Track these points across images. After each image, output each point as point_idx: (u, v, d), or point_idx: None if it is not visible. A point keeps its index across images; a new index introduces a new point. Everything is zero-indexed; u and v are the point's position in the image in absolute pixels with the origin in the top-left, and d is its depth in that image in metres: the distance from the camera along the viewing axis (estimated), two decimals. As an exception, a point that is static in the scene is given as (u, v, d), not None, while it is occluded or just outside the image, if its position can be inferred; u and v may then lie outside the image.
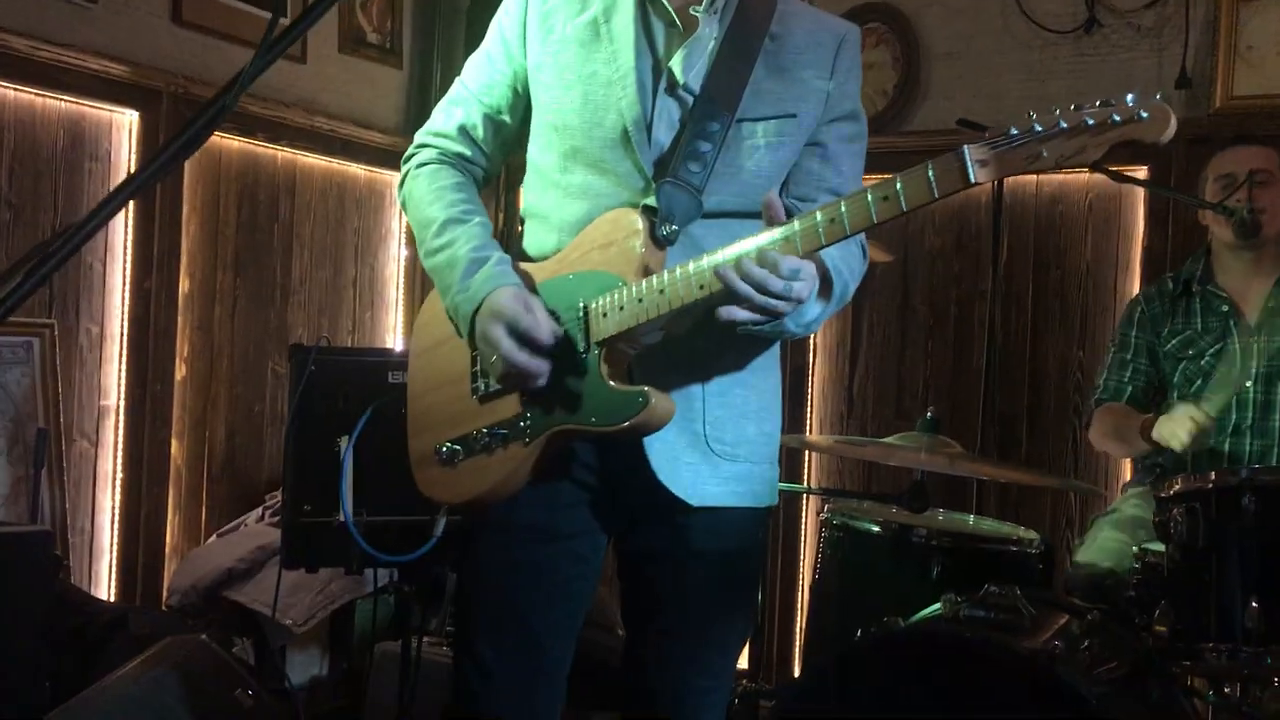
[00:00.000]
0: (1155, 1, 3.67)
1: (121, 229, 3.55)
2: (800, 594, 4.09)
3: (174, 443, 3.71)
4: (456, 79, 1.92)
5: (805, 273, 1.57)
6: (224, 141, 3.84)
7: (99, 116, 3.49)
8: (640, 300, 1.63)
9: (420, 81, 4.45)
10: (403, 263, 4.45)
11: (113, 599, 3.53)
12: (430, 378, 1.87)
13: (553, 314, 1.70)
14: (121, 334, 3.55)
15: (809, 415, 4.17)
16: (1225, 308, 3.00)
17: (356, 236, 4.28)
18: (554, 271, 1.76)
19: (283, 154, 3.99)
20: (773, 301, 1.55)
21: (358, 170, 4.26)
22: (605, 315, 1.66)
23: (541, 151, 1.82)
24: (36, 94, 3.25)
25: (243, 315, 3.88)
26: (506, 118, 1.87)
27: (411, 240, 4.36)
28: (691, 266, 1.60)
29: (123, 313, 3.55)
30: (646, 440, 1.69)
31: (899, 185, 1.49)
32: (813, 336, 4.18)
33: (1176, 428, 2.74)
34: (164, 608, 3.55)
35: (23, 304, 1.10)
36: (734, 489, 1.78)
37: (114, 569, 3.56)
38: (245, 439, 3.93)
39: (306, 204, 4.09)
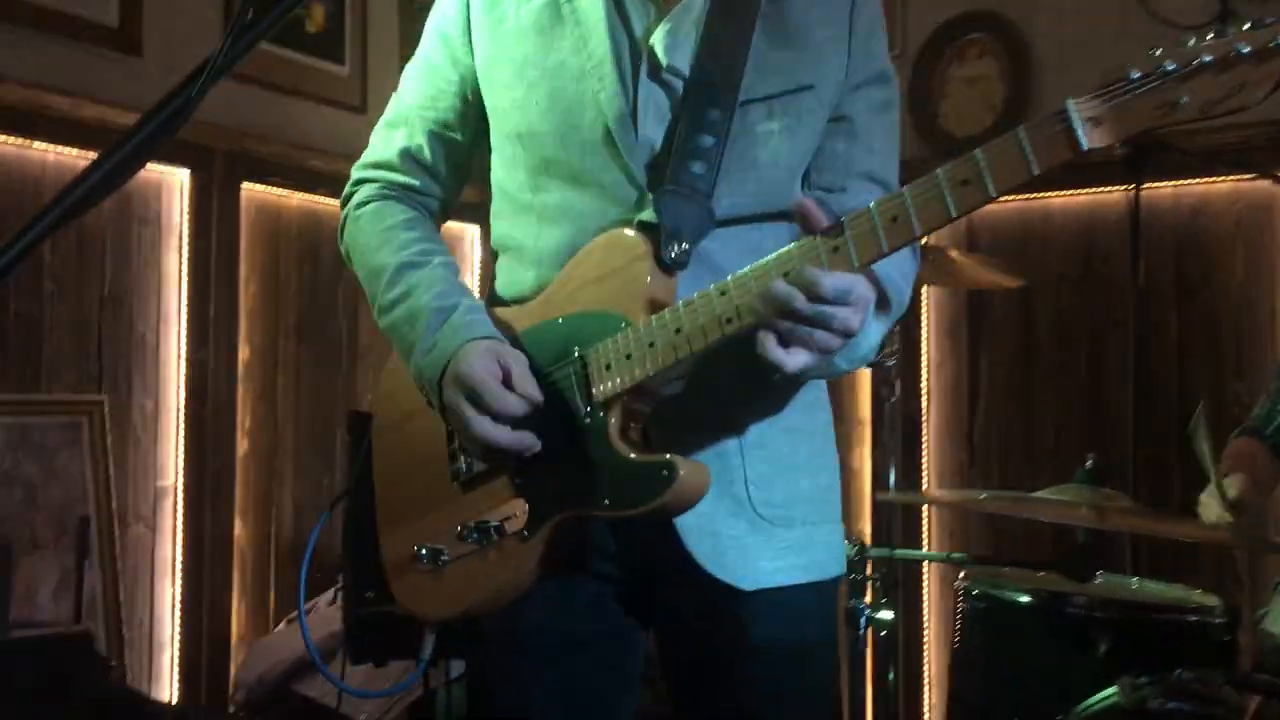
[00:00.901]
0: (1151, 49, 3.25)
1: (175, 294, 3.34)
2: (926, 683, 3.67)
3: (237, 523, 3.49)
4: (392, 97, 1.65)
5: (857, 293, 1.24)
6: (283, 199, 3.64)
7: (147, 176, 3.29)
8: (652, 344, 1.34)
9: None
10: (477, 320, 4.16)
11: (174, 698, 3.28)
12: (400, 461, 1.58)
13: (539, 372, 1.42)
14: (177, 408, 3.33)
15: (925, 467, 3.77)
16: None
17: (426, 294, 4.01)
18: (539, 316, 1.47)
19: None
20: (818, 335, 1.23)
21: (426, 224, 4.02)
22: (609, 367, 1.37)
23: (506, 169, 1.54)
24: (79, 154, 3.04)
25: (308, 383, 3.69)
26: (457, 134, 1.59)
27: (482, 296, 4.22)
28: (715, 295, 1.30)
29: (178, 385, 3.33)
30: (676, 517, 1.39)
31: (982, 162, 1.17)
32: (925, 377, 3.79)
33: (1204, 510, 2.39)
34: (230, 704, 3.28)
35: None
36: (793, 561, 1.47)
37: (175, 664, 3.32)
38: (314, 516, 3.70)
39: (372, 262, 3.85)
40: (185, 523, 3.33)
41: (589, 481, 1.37)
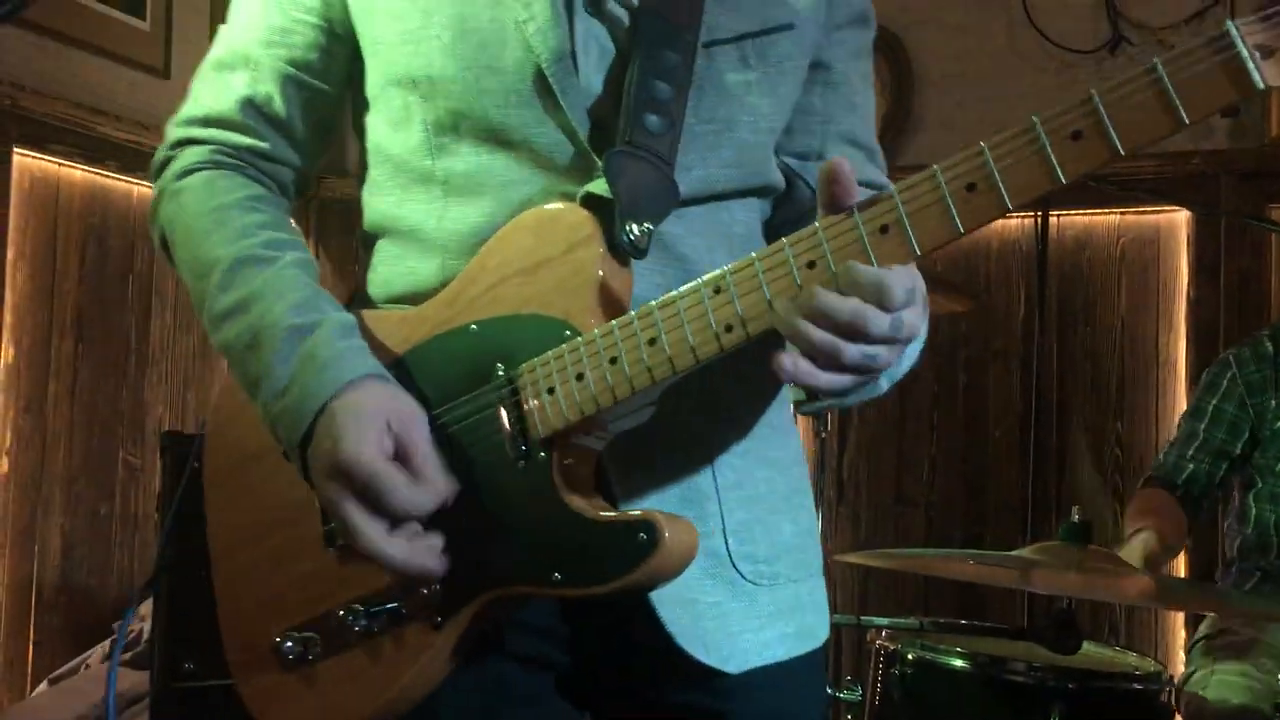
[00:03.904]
0: (1192, 17, 3.28)
1: (-79, 280, 2.78)
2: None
3: None
4: (220, 29, 1.29)
5: (919, 289, 1.00)
6: (64, 169, 3.19)
7: None
8: (614, 360, 1.04)
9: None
10: (289, 325, 3.74)
11: (-100, 782, 2.68)
12: (246, 520, 1.24)
13: (444, 402, 1.12)
14: (-80, 419, 2.86)
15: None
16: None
17: (232, 292, 3.61)
18: (440, 322, 1.14)
19: (140, 189, 3.41)
20: (872, 351, 0.96)
21: (234, 211, 3.61)
22: (550, 391, 1.06)
23: (392, 128, 1.21)
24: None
25: (86, 392, 3.29)
26: (321, 81, 1.25)
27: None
28: (706, 293, 1.01)
29: (-79, 391, 2.82)
30: None
31: (1102, 106, 0.89)
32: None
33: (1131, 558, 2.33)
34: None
35: None
36: (781, 630, 1.21)
37: (-97, 738, 2.71)
38: (87, 551, 3.26)
39: (170, 252, 3.44)
40: (-76, 561, 2.83)
41: (529, 548, 1.07)
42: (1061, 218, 3.36)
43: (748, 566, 1.19)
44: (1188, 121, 0.89)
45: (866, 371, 0.98)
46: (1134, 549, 2.38)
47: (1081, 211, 3.32)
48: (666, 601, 1.12)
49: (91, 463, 3.27)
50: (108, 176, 3.29)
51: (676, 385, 1.08)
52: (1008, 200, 0.93)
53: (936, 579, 3.22)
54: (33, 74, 3.02)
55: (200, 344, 3.58)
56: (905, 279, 0.96)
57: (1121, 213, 3.30)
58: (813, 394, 1.03)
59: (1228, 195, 3.12)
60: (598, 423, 1.07)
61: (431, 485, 1.06)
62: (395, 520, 1.06)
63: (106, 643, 3.07)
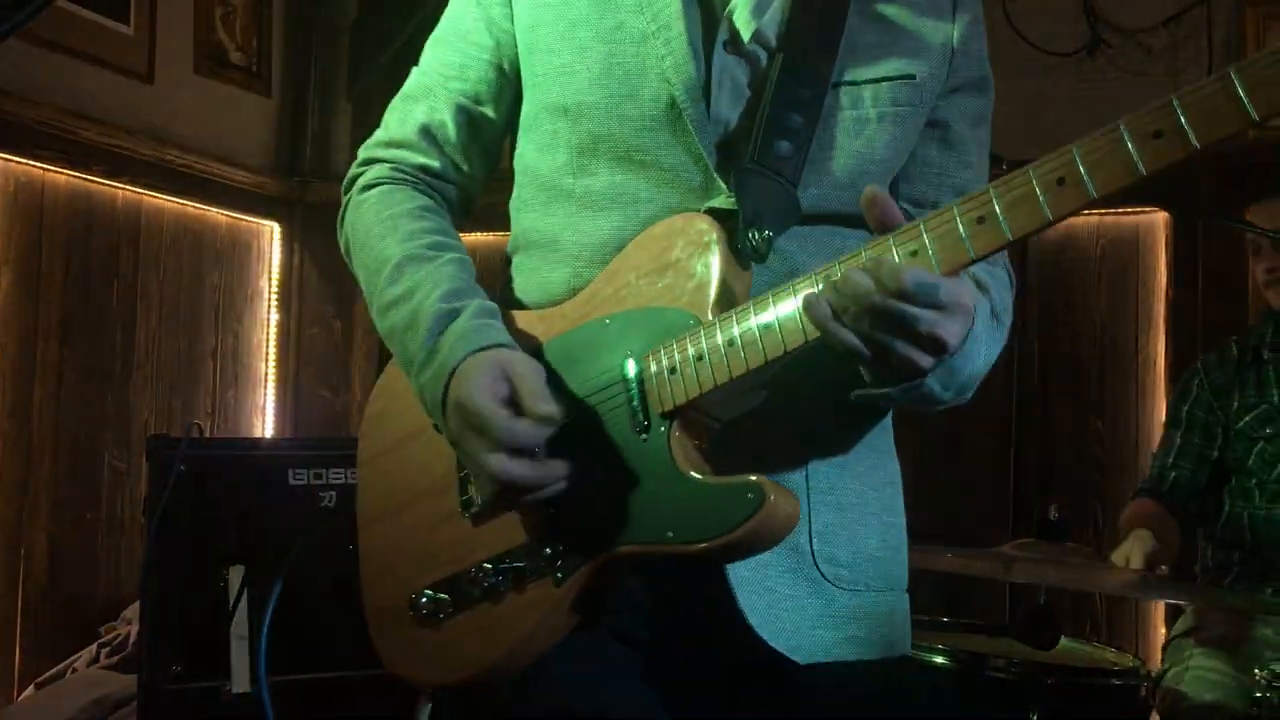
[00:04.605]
0: (1170, 19, 3.31)
1: (-95, 284, 2.77)
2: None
3: None
4: (413, 71, 1.48)
5: (950, 295, 1.07)
6: (48, 174, 3.19)
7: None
8: (732, 343, 1.15)
9: (293, 111, 3.97)
10: (273, 329, 3.89)
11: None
12: (395, 491, 1.39)
13: (580, 385, 1.25)
14: (-96, 424, 2.83)
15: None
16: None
17: (217, 296, 3.77)
18: (578, 317, 1.29)
19: (124, 193, 3.44)
20: (899, 345, 1.07)
21: (218, 215, 3.75)
22: (673, 371, 1.19)
23: (541, 150, 1.37)
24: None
25: (71, 396, 3.29)
26: (489, 110, 1.42)
27: (285, 302, 3.79)
28: (817, 284, 1.12)
29: (-94, 396, 2.81)
30: (731, 565, 1.22)
31: (1125, 132, 0.99)
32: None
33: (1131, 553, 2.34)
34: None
35: None
36: (855, 633, 1.29)
37: (-111, 743, 2.71)
38: (73, 555, 3.25)
39: (154, 256, 3.54)
40: (-91, 566, 2.83)
41: (645, 510, 1.18)
42: (1042, 219, 3.39)
43: (829, 568, 1.28)
44: (1199, 146, 0.96)
45: (880, 347, 1.06)
46: (1127, 550, 2.39)
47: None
48: (746, 587, 1.22)
49: (77, 467, 3.27)
50: (92, 181, 3.29)
51: (785, 393, 1.21)
52: (1010, 235, 1.03)
53: (922, 577, 3.25)
54: (16, 78, 3.02)
55: (186, 348, 3.59)
56: (929, 278, 1.04)
57: (1101, 214, 3.32)
58: (866, 381, 1.14)
59: (1207, 196, 3.14)
60: (714, 402, 1.18)
61: (541, 419, 1.17)
62: (511, 451, 1.18)
63: (93, 646, 3.08)
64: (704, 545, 1.14)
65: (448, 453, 1.29)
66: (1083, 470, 3.34)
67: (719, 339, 1.16)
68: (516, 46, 1.37)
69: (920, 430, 3.44)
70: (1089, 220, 3.34)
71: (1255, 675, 2.19)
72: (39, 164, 3.13)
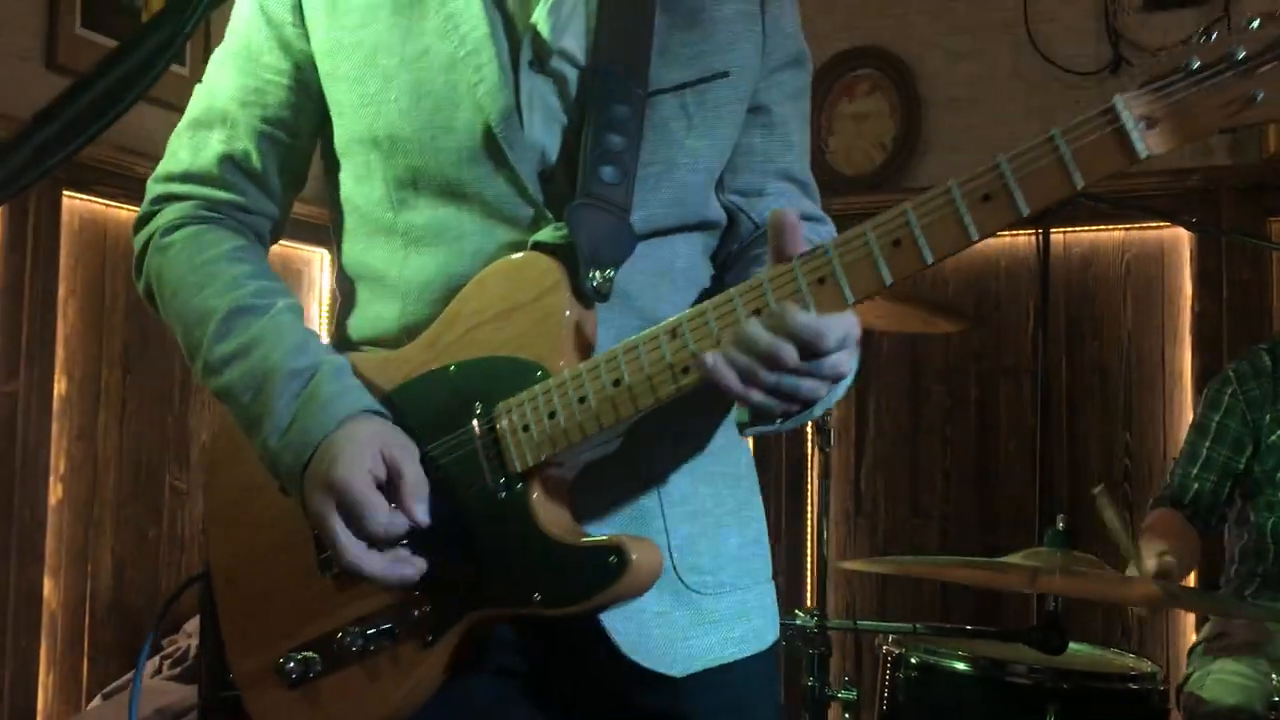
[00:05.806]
0: (1189, 37, 3.29)
1: (-23, 317, 2.88)
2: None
3: (47, 582, 3.06)
4: (196, 90, 1.35)
5: (851, 335, 1.07)
6: (110, 210, 3.23)
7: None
8: (584, 400, 1.11)
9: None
10: (325, 352, 3.82)
11: (-35, 793, 2.79)
12: (247, 548, 1.31)
13: (428, 437, 1.19)
14: (-22, 449, 2.90)
15: (809, 513, 3.61)
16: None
17: (271, 322, 3.67)
18: (421, 363, 1.21)
19: None
20: (805, 385, 1.05)
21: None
22: (526, 429, 1.14)
23: (357, 182, 1.28)
24: None
25: (134, 421, 3.29)
26: (294, 136, 1.31)
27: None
28: (663, 338, 1.09)
29: (-20, 422, 2.89)
30: None
31: (1009, 172, 0.99)
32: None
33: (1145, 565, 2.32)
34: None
35: None
36: (726, 635, 1.26)
37: (-32, 751, 2.83)
38: (137, 572, 3.29)
39: (211, 284, 3.47)
40: (-16, 583, 2.89)
41: (510, 572, 1.15)
42: (1067, 235, 3.41)
43: (693, 577, 1.24)
44: (1080, 185, 0.98)
45: (787, 397, 1.06)
46: (1146, 561, 2.40)
47: (1087, 228, 3.37)
48: (612, 614, 1.18)
49: (140, 487, 3.30)
50: (152, 215, 3.38)
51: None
52: (928, 256, 1.03)
53: (954, 586, 3.30)
54: (80, 121, 3.14)
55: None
56: (839, 327, 1.04)
57: (1126, 229, 3.36)
58: (754, 418, 1.12)
59: (1228, 211, 3.17)
60: (568, 455, 1.15)
61: (409, 513, 1.14)
62: (374, 541, 1.14)
63: (157, 658, 3.14)
64: (573, 609, 1.13)
65: (297, 510, 1.20)
66: (1111, 483, 3.38)
67: (570, 396, 1.12)
68: (316, 69, 1.27)
69: (951, 445, 3.52)
70: (1114, 235, 3.39)
71: (1276, 680, 2.24)
72: (101, 200, 3.18)
